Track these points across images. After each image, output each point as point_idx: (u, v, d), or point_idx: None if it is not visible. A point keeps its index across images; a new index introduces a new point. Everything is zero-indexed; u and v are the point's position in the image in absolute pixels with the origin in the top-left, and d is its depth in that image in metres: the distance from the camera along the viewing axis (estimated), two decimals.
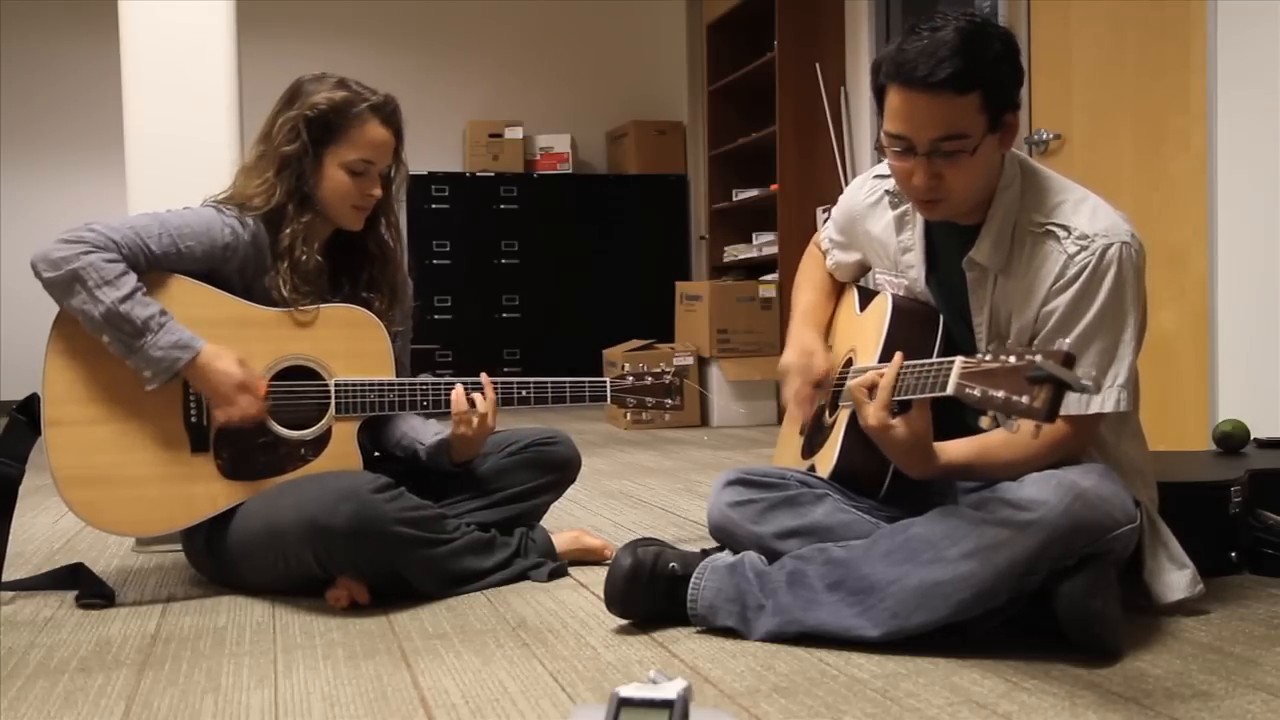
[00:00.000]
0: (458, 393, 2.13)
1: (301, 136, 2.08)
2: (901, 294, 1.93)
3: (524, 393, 2.19)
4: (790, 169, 5.34)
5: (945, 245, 1.86)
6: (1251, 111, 3.03)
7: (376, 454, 2.35)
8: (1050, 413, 1.34)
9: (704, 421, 5.49)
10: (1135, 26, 3.41)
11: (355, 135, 2.09)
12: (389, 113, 2.13)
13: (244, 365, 2.01)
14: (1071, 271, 1.70)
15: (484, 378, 2.17)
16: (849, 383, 1.67)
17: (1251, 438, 2.57)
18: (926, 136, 1.66)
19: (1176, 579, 1.79)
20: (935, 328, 1.85)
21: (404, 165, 2.22)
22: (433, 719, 1.45)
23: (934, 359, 1.58)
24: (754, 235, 5.95)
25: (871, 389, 1.65)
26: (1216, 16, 3.10)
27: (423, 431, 2.23)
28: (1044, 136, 3.73)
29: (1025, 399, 1.36)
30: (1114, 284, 1.68)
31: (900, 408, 1.63)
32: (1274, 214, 2.97)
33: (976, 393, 1.43)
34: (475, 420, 2.12)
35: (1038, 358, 1.36)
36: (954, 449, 1.70)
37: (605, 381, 2.28)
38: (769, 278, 5.55)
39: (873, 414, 1.63)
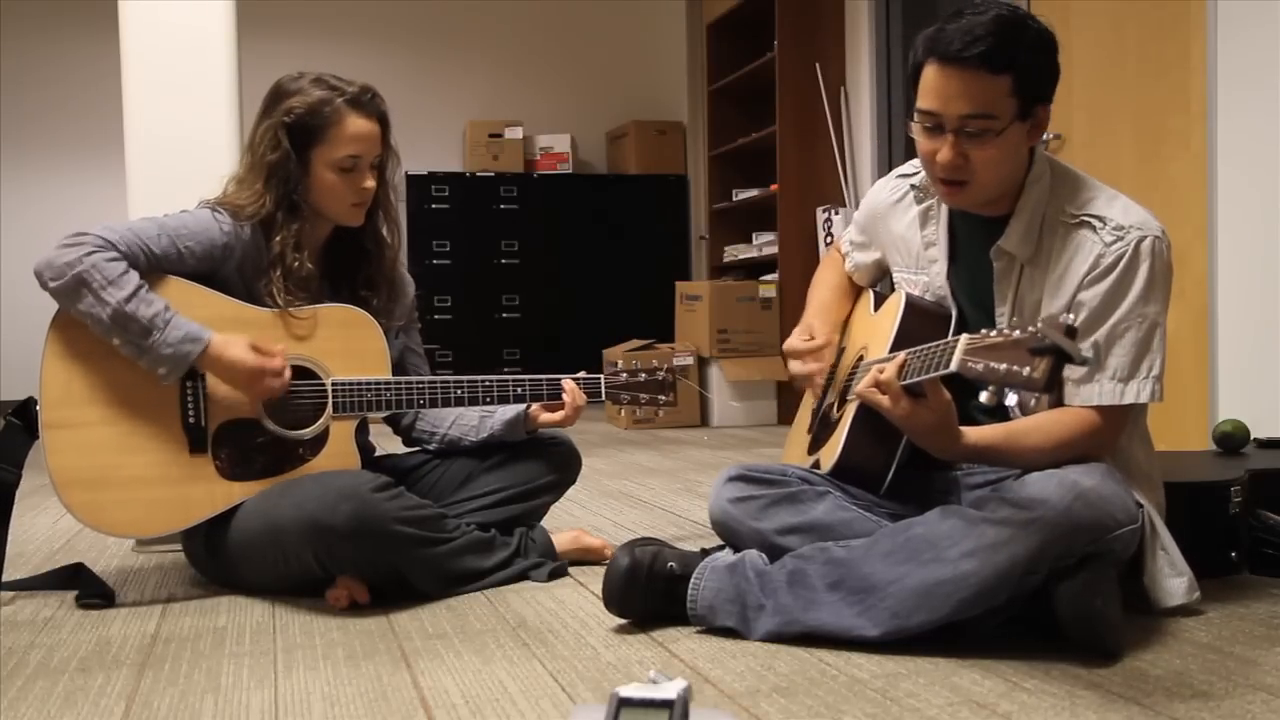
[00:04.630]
0: (575, 389, 2.23)
1: (283, 144, 2.07)
2: (918, 293, 1.93)
3: (519, 390, 2.20)
4: (790, 169, 5.34)
5: (969, 238, 1.87)
6: (1251, 111, 3.03)
7: (376, 454, 2.35)
8: (1049, 383, 1.34)
9: (704, 421, 5.49)
10: (1135, 26, 3.41)
11: (337, 133, 2.08)
12: (367, 103, 2.11)
13: (257, 348, 2.01)
14: (1107, 261, 1.71)
15: (568, 382, 2.23)
16: (857, 387, 1.67)
17: (1251, 438, 2.57)
18: (956, 112, 1.68)
19: (1175, 585, 1.79)
20: (946, 325, 1.86)
21: (394, 151, 2.21)
22: (433, 719, 1.45)
23: (930, 343, 1.60)
24: (754, 235, 5.95)
25: (879, 385, 1.65)
26: (1216, 16, 3.10)
27: (476, 410, 2.28)
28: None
29: (1026, 370, 1.36)
30: (1148, 276, 1.71)
31: (914, 395, 1.64)
32: (1274, 214, 2.97)
33: (979, 367, 1.43)
34: (570, 414, 2.23)
35: (1040, 328, 1.36)
36: (982, 431, 1.71)
37: (600, 378, 2.28)
38: (769, 278, 5.55)
39: (891, 404, 1.65)
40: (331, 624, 1.90)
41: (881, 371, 1.66)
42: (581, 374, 2.28)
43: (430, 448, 2.34)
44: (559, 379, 2.23)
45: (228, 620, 1.95)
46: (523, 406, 2.25)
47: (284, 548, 1.97)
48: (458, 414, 2.29)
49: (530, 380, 2.21)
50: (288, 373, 2.03)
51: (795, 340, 2.02)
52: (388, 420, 2.33)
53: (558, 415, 2.24)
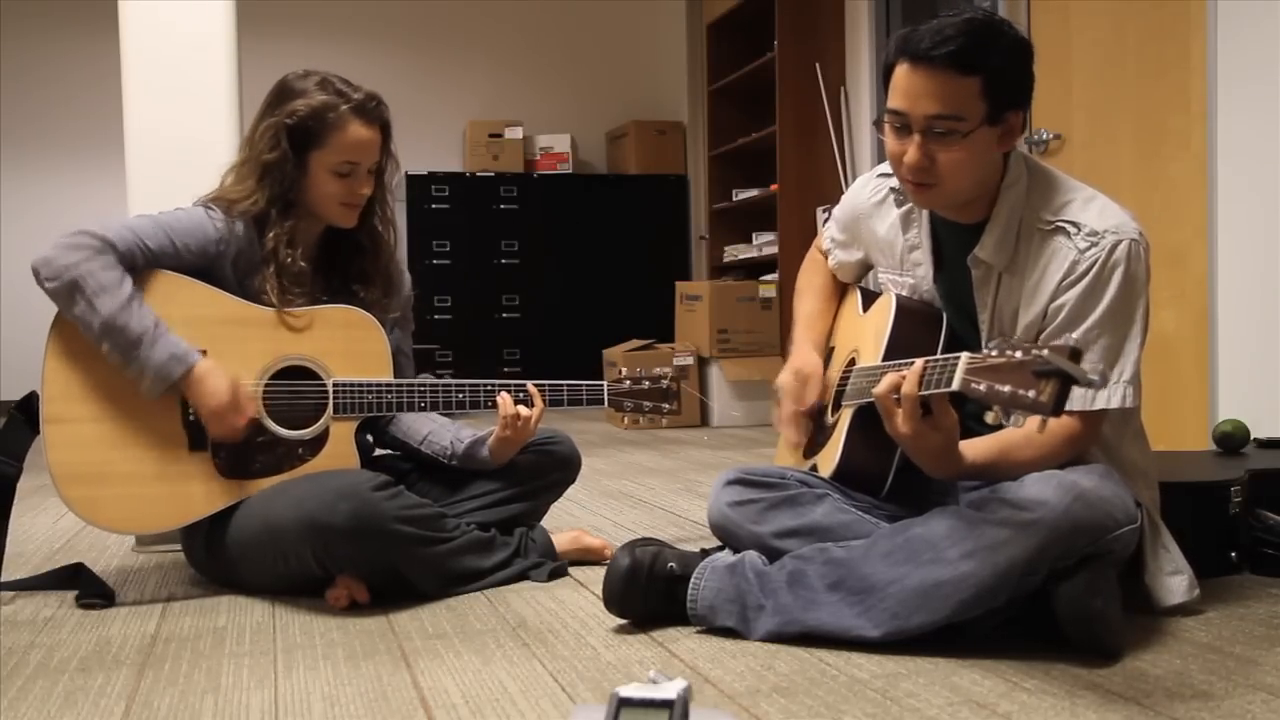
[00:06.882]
0: (505, 398, 2.16)
1: (282, 144, 2.07)
2: (905, 293, 1.93)
3: (521, 395, 2.19)
4: (790, 169, 5.35)
5: (950, 244, 1.87)
6: (1251, 111, 3.03)
7: (375, 454, 2.35)
8: (1056, 407, 1.34)
9: (704, 421, 5.49)
10: (1135, 26, 3.41)
11: (337, 139, 2.07)
12: (370, 110, 2.11)
13: (235, 386, 2.01)
14: (1081, 268, 1.71)
15: (531, 387, 2.19)
16: (874, 391, 1.64)
17: (1251, 438, 2.57)
18: (922, 112, 1.67)
19: (1175, 583, 1.80)
20: (939, 327, 1.85)
21: (394, 157, 2.21)
22: (433, 719, 1.45)
23: (940, 355, 1.58)
24: (754, 235, 5.95)
25: (901, 396, 1.60)
26: (1216, 16, 3.10)
27: (451, 431, 2.25)
28: (1044, 136, 3.73)
29: (1031, 393, 1.35)
30: (1122, 280, 1.69)
31: (922, 410, 1.62)
32: (1274, 214, 2.97)
33: (982, 388, 1.43)
34: (520, 424, 2.16)
35: (1045, 352, 1.36)
36: (977, 449, 1.70)
37: (603, 385, 2.28)
38: (769, 278, 5.56)
39: (903, 423, 1.60)
40: (331, 624, 1.90)
41: (900, 380, 1.61)
42: (585, 383, 2.27)
43: (401, 461, 2.32)
44: (561, 385, 2.23)
45: (228, 620, 1.95)
46: (479, 436, 2.22)
47: (283, 547, 1.97)
48: (429, 432, 2.27)
49: (533, 384, 2.20)
50: (248, 425, 2.03)
51: (789, 382, 1.99)
52: (368, 419, 2.29)
53: (501, 435, 2.17)
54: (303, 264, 2.11)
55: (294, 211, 2.12)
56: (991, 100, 1.68)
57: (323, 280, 2.19)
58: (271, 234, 2.09)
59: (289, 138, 2.07)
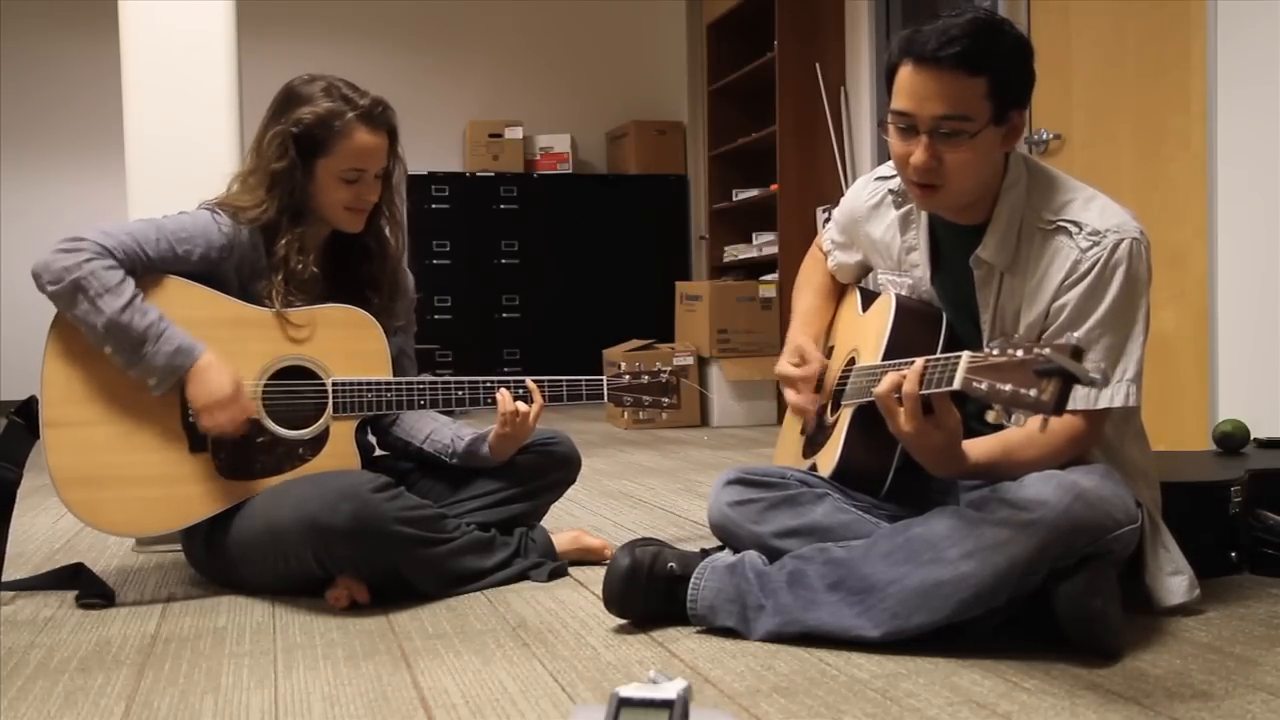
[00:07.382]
0: (505, 395, 2.16)
1: (290, 152, 2.07)
2: (904, 294, 1.93)
3: (520, 391, 2.20)
4: (790, 169, 5.35)
5: (949, 245, 1.87)
6: (1251, 111, 3.03)
7: (376, 454, 2.35)
8: (1058, 406, 1.34)
9: (704, 421, 5.49)
10: (1135, 26, 3.41)
11: (344, 146, 2.07)
12: (377, 116, 2.10)
13: (237, 384, 2.00)
14: (1084, 267, 1.71)
15: (530, 383, 2.19)
16: (875, 390, 1.64)
17: (1251, 438, 2.57)
18: (930, 113, 1.67)
19: (1176, 583, 1.80)
20: (939, 327, 1.85)
21: (401, 161, 2.21)
22: (433, 719, 1.45)
23: (941, 354, 1.58)
24: (754, 235, 5.95)
25: (903, 396, 1.60)
26: (1216, 16, 3.10)
27: (452, 430, 2.26)
28: (1044, 136, 3.73)
29: (1033, 392, 1.35)
30: (1125, 280, 1.70)
31: (924, 410, 1.62)
32: (1274, 214, 2.97)
33: (984, 387, 1.43)
34: (520, 420, 2.16)
35: (1046, 351, 1.36)
36: (979, 448, 1.69)
37: (602, 380, 2.28)
38: (769, 278, 5.56)
39: (905, 422, 1.60)
40: (331, 624, 1.90)
41: (901, 380, 1.61)
42: (584, 378, 2.27)
43: (403, 461, 2.32)
44: (560, 380, 2.23)
45: (228, 620, 1.95)
46: (479, 434, 2.22)
47: (284, 548, 1.97)
48: (431, 431, 2.27)
49: (532, 380, 2.21)
50: (246, 423, 2.03)
51: (787, 366, 2.00)
52: (370, 419, 2.28)
53: (501, 432, 2.17)
54: (314, 269, 2.11)
55: (303, 219, 2.12)
56: (997, 100, 1.68)
57: (330, 286, 2.19)
58: (283, 241, 2.09)
59: (296, 145, 2.07)
